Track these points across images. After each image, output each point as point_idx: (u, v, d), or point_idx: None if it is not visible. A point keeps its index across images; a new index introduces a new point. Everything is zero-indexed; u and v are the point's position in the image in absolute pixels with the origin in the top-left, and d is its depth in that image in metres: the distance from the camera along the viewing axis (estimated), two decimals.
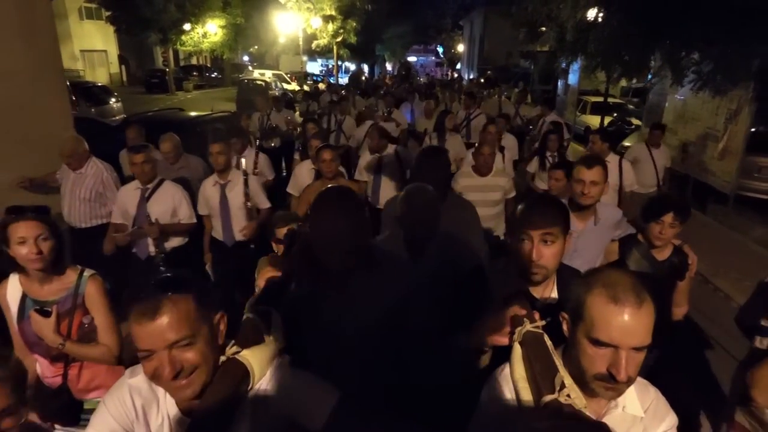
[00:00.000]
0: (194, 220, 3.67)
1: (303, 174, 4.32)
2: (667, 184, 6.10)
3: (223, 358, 1.16)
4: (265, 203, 4.00)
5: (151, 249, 3.53)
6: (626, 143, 10.88)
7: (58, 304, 2.08)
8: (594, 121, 13.50)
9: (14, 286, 2.11)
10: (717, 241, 6.82)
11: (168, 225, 3.53)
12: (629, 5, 7.34)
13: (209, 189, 3.83)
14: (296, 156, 5.83)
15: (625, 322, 1.04)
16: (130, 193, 3.54)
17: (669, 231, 2.51)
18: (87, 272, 2.16)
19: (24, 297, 2.10)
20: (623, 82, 10.98)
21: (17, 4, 3.73)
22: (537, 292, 1.57)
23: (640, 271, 2.51)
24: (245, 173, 3.85)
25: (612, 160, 4.65)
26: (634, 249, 2.63)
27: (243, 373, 1.11)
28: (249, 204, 3.81)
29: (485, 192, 3.90)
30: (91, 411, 2.05)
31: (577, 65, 12.90)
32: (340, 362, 1.54)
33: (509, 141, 6.35)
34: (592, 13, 9.03)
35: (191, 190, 3.90)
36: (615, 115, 13.46)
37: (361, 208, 1.61)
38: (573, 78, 15.21)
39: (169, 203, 3.54)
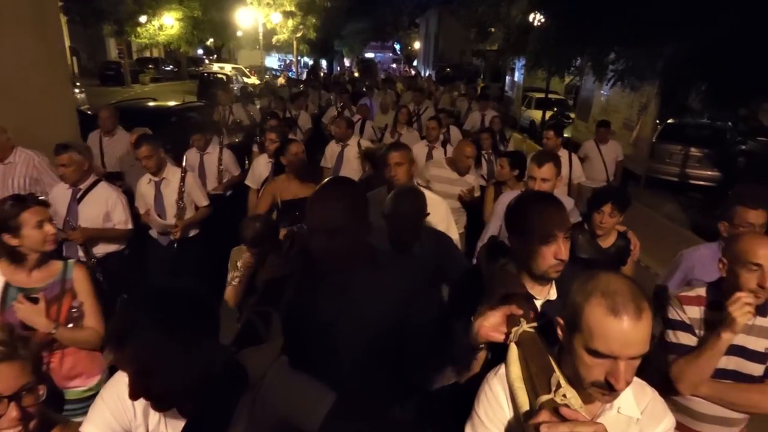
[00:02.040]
0: (130, 226, 3.43)
1: (260, 166, 4.44)
2: (619, 177, 6.49)
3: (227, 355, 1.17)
4: (202, 201, 3.90)
5: (81, 255, 3.27)
6: (564, 134, 12.21)
7: (45, 290, 2.08)
8: (537, 115, 14.77)
9: None
10: (632, 215, 8.01)
11: (97, 230, 3.31)
12: (560, 12, 8.45)
13: (144, 186, 3.75)
14: (254, 148, 5.83)
15: (624, 334, 1.02)
16: (62, 192, 3.34)
17: (609, 220, 2.69)
18: (70, 260, 2.24)
19: (6, 287, 2.08)
20: (558, 80, 12.16)
21: (30, 1, 4.27)
22: (537, 292, 1.57)
23: (587, 258, 2.71)
24: (184, 170, 3.78)
25: (563, 154, 4.91)
26: (581, 236, 2.75)
27: (241, 374, 1.12)
28: (181, 203, 3.72)
29: (454, 185, 4.02)
30: (74, 401, 2.22)
31: (521, 63, 14.08)
32: (339, 362, 1.57)
33: (453, 134, 6.66)
34: (530, 17, 10.16)
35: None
36: (555, 109, 14.75)
37: (359, 201, 1.54)
38: (519, 75, 16.44)
39: (102, 207, 3.32)
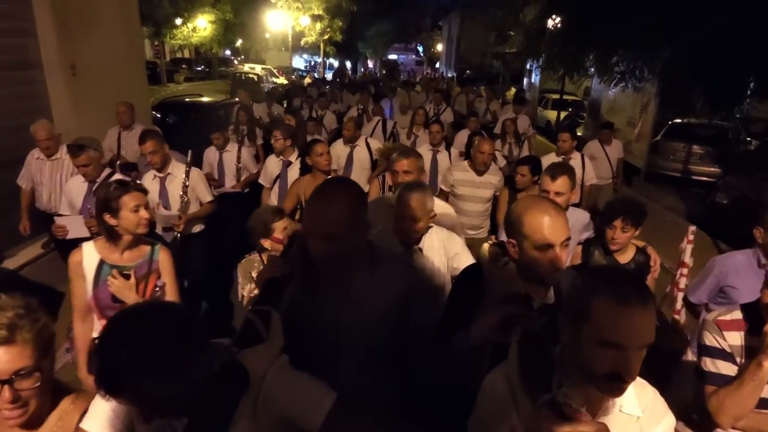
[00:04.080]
0: None
1: (272, 165, 4.50)
2: (621, 173, 6.65)
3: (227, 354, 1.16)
4: (206, 196, 3.92)
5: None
6: (577, 132, 12.92)
7: (135, 269, 2.27)
8: (553, 115, 15.44)
9: (91, 254, 2.27)
10: None
11: None
12: (569, 17, 9.18)
13: (149, 182, 3.74)
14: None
15: (633, 322, 1.03)
16: (78, 185, 3.47)
17: (621, 235, 2.55)
18: (157, 243, 2.41)
19: (101, 264, 2.25)
20: (570, 83, 12.81)
21: (121, 9, 5.26)
22: (536, 294, 1.58)
23: None
24: (189, 165, 3.80)
25: (576, 157, 5.05)
26: (596, 252, 2.66)
27: (242, 373, 1.13)
28: (185, 197, 3.75)
29: (477, 188, 4.00)
30: None
31: (536, 66, 14.77)
32: (340, 361, 1.59)
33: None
34: (543, 22, 10.89)
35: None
36: (570, 110, 15.39)
37: (357, 206, 1.52)
38: (535, 77, 17.11)
39: None
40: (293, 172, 4.30)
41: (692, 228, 4.00)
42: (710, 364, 1.70)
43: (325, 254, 1.47)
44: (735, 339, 1.69)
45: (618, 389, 1.09)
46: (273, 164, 4.51)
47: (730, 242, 6.41)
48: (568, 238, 1.50)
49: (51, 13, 4.47)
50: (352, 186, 1.59)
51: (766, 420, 1.65)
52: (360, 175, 4.96)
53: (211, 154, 5.09)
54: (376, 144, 5.44)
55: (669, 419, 1.23)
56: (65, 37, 4.61)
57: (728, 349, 1.69)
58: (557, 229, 1.48)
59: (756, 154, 9.82)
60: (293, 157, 4.41)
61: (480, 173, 4.00)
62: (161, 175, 3.76)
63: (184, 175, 3.74)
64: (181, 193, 3.73)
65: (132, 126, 5.07)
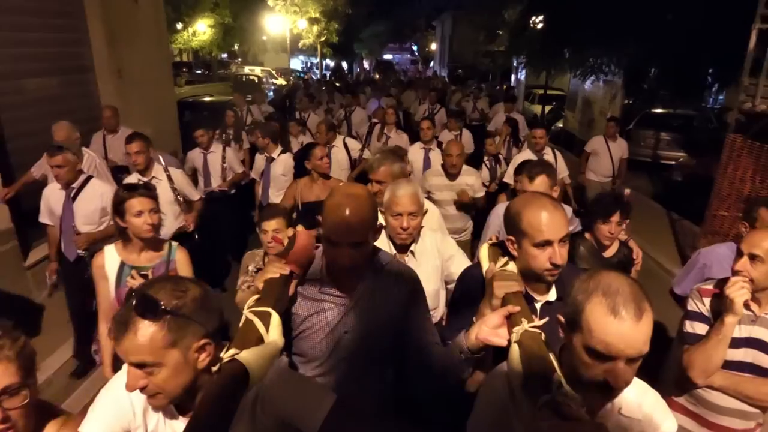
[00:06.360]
0: None
1: (259, 161, 4.93)
2: (624, 174, 6.38)
3: (226, 355, 1.14)
4: (194, 195, 4.01)
5: (80, 250, 3.43)
6: (559, 124, 13.92)
7: (153, 269, 2.34)
8: (539, 109, 16.39)
9: (112, 256, 2.35)
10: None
11: (99, 233, 3.41)
12: (545, 19, 10.15)
13: None
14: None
15: (624, 335, 1.01)
16: (55, 192, 3.41)
17: (617, 229, 2.58)
18: (174, 243, 2.49)
19: (122, 265, 2.33)
20: (555, 78, 13.78)
21: (155, 19, 6.20)
22: (536, 293, 1.58)
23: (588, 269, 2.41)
24: (166, 168, 3.79)
25: (547, 152, 4.97)
26: (582, 246, 2.65)
27: (241, 374, 1.12)
28: (180, 198, 3.79)
29: (453, 191, 3.92)
30: None
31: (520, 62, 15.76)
32: (341, 364, 1.59)
33: (465, 137, 6.50)
34: (524, 22, 11.89)
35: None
36: (554, 104, 16.36)
37: (374, 210, 1.56)
38: (521, 74, 18.10)
39: (96, 202, 3.41)
40: (276, 167, 4.77)
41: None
42: (689, 326, 1.88)
43: (353, 261, 1.49)
44: (712, 305, 1.86)
45: (607, 396, 1.10)
46: (259, 160, 5.01)
47: (681, 212, 7.37)
48: (568, 235, 1.51)
49: (102, 25, 5.40)
50: (367, 190, 1.64)
51: (741, 381, 1.80)
52: (339, 175, 4.95)
53: (195, 156, 5.08)
54: (354, 144, 5.60)
55: (670, 423, 1.22)
56: (113, 45, 5.55)
57: (706, 313, 1.85)
58: (555, 225, 1.48)
59: (715, 139, 10.77)
60: (275, 153, 4.83)
61: (452, 177, 3.96)
62: (145, 179, 3.72)
63: (167, 180, 3.77)
64: (175, 196, 3.79)
65: (117, 129, 5.12)
